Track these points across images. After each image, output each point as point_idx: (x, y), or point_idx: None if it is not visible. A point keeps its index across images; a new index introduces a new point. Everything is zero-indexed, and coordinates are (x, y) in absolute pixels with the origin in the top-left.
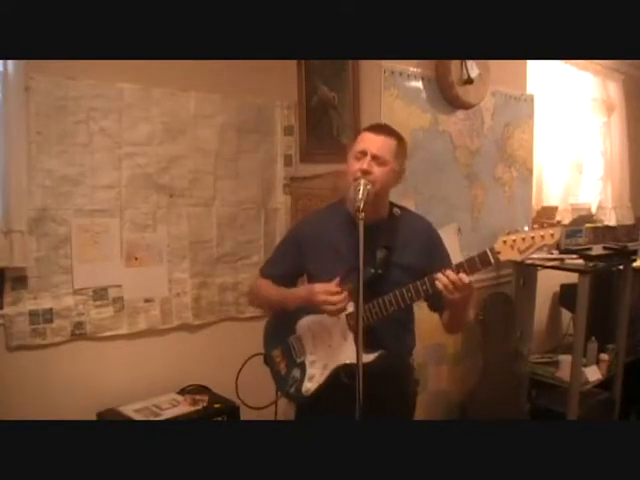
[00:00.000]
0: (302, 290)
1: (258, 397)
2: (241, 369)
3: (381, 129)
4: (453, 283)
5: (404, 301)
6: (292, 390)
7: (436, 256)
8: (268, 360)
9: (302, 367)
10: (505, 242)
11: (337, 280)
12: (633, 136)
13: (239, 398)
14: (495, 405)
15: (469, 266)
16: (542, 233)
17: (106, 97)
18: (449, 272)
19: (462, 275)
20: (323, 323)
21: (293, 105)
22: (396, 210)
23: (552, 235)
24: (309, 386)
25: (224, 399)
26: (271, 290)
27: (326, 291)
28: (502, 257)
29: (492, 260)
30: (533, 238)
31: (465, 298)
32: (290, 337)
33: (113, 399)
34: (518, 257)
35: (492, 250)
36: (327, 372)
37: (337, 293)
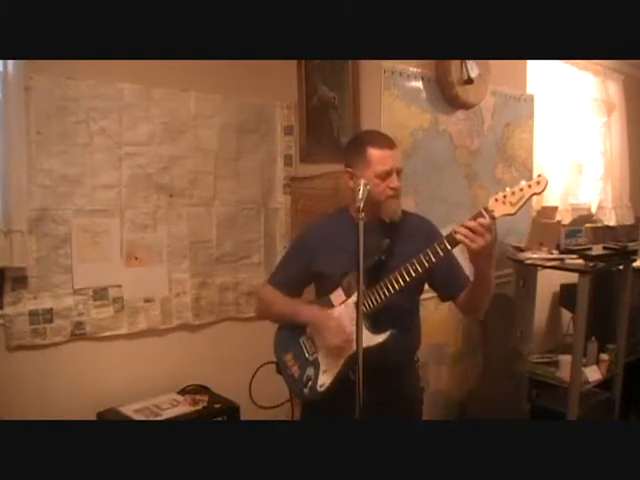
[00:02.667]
0: (317, 312)
1: (269, 402)
2: (254, 376)
3: (388, 141)
4: (473, 230)
5: (409, 275)
6: (306, 390)
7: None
8: (281, 367)
9: (315, 363)
10: (497, 200)
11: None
12: (633, 136)
13: (252, 401)
14: (495, 405)
15: None
16: (529, 183)
17: (106, 97)
18: (468, 222)
19: (480, 220)
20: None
21: (293, 105)
22: None
23: (538, 183)
24: (324, 379)
25: (224, 399)
26: (282, 304)
27: (341, 326)
28: (497, 213)
29: (487, 218)
30: (522, 190)
31: (488, 245)
32: (301, 338)
33: (113, 399)
34: (512, 210)
35: (486, 209)
36: (342, 361)
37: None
